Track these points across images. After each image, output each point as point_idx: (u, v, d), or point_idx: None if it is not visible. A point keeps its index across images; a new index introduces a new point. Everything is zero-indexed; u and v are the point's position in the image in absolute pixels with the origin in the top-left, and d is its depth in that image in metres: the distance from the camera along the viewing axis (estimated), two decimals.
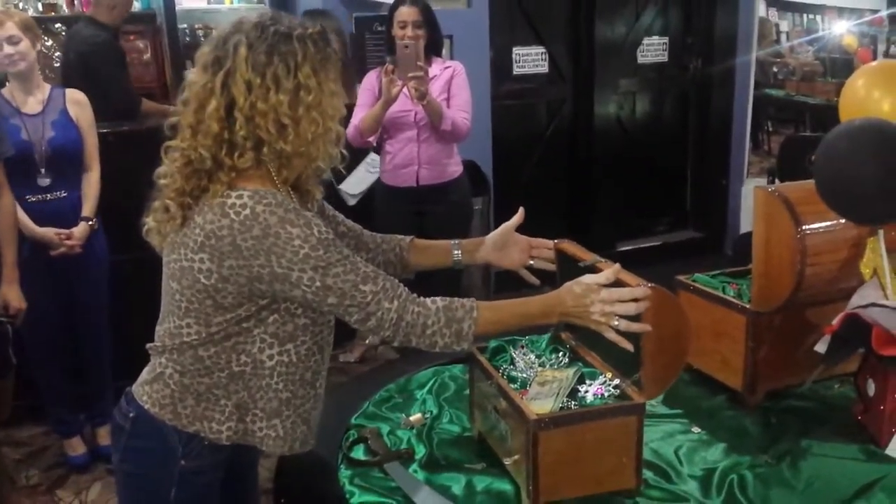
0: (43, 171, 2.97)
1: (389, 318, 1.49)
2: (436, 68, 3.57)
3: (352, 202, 3.95)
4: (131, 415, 1.57)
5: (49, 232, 2.96)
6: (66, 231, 3.00)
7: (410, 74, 3.29)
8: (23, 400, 3.16)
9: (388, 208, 3.68)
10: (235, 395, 1.55)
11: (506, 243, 1.92)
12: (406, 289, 1.54)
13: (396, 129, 3.55)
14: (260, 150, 1.47)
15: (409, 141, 3.54)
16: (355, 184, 3.92)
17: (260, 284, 1.46)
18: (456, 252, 1.88)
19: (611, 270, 1.62)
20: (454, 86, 3.57)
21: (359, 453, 1.85)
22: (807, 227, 1.85)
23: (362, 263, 1.49)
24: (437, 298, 1.55)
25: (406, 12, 3.48)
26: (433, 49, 3.58)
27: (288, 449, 1.62)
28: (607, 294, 1.58)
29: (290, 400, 1.58)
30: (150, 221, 1.54)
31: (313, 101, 1.46)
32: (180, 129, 1.49)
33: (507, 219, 1.90)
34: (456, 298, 1.57)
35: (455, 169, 3.67)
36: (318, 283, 1.44)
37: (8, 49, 2.90)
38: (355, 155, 3.71)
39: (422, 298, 1.54)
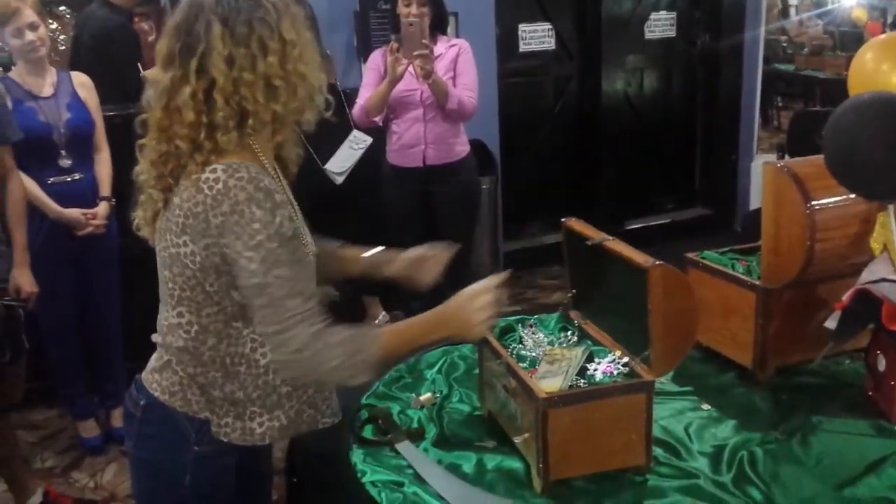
0: (63, 152, 3.00)
1: (296, 348, 1.41)
2: (441, 46, 3.55)
3: (339, 181, 3.91)
4: (142, 402, 1.57)
5: (75, 212, 3.01)
6: (92, 210, 3.06)
7: (416, 53, 3.28)
8: (36, 383, 3.19)
9: (396, 189, 3.67)
10: (232, 394, 1.53)
11: (422, 263, 1.86)
12: (324, 324, 1.45)
13: (402, 108, 3.53)
14: (244, 125, 1.45)
15: (416, 121, 3.53)
16: (340, 162, 3.88)
17: (231, 267, 1.44)
18: (364, 264, 1.85)
19: (494, 278, 1.60)
20: (460, 64, 3.56)
21: (370, 433, 1.85)
22: (816, 202, 1.84)
23: (303, 275, 1.45)
24: (342, 334, 1.46)
25: None
26: (438, 27, 3.56)
27: (293, 433, 1.62)
28: (480, 300, 1.57)
29: (290, 393, 1.57)
30: (137, 215, 1.54)
31: (299, 53, 1.46)
32: (149, 129, 1.47)
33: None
34: (360, 332, 1.49)
35: (462, 148, 3.65)
36: (256, 279, 1.40)
37: (30, 36, 2.91)
38: (337, 133, 3.71)
39: (331, 331, 1.45)
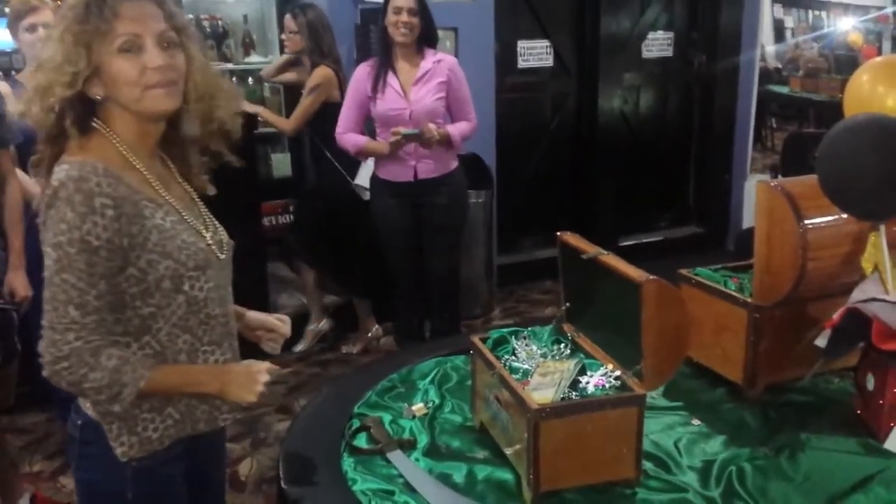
0: None
1: (59, 351, 1.39)
2: (428, 61, 3.52)
3: (366, 196, 3.88)
4: (79, 422, 1.54)
5: None
6: None
7: (418, 142, 3.43)
8: (27, 387, 3.17)
9: (386, 202, 3.66)
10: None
11: (264, 332, 1.80)
12: (103, 343, 1.43)
13: (392, 125, 3.49)
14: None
15: (404, 145, 3.50)
16: (366, 177, 3.87)
17: None
18: None
19: (275, 368, 1.57)
20: (453, 87, 3.53)
21: (361, 441, 1.86)
22: (809, 221, 1.86)
23: (95, 291, 1.41)
24: (115, 355, 1.44)
25: None
26: (426, 40, 3.53)
27: (191, 429, 1.58)
28: (260, 374, 1.54)
29: None
30: None
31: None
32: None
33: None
34: (130, 365, 1.45)
35: (453, 162, 3.64)
36: (48, 274, 1.40)
37: (43, 34, 2.92)
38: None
39: (101, 349, 1.42)
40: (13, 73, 3.50)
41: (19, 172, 2.74)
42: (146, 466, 1.54)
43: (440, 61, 3.53)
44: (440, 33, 4.58)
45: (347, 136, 3.59)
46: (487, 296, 4.77)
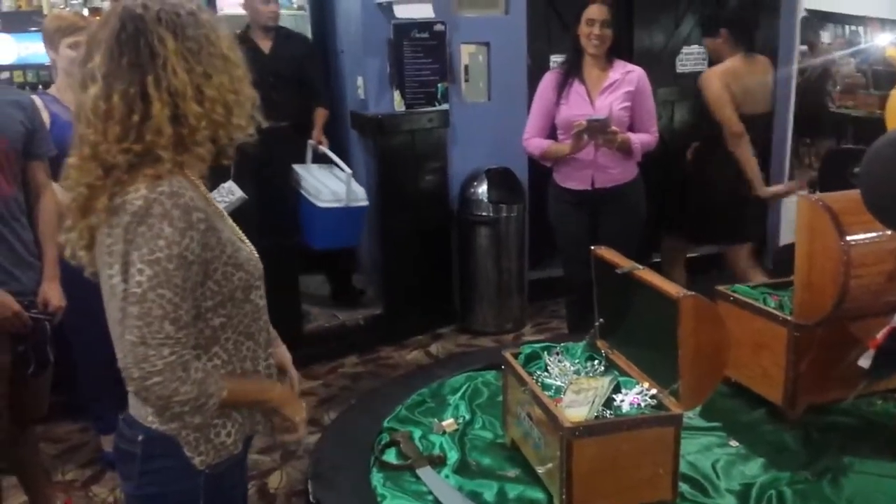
0: None
1: (153, 366, 1.38)
2: (617, 72, 3.53)
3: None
4: (140, 438, 1.53)
5: None
6: None
7: (602, 136, 3.38)
8: (60, 396, 3.20)
9: (563, 208, 3.68)
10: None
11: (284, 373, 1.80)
12: (191, 356, 1.44)
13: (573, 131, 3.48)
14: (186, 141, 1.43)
15: (587, 145, 3.47)
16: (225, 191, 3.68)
17: None
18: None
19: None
20: (638, 99, 3.52)
21: (391, 457, 1.84)
22: (851, 237, 1.81)
23: (187, 305, 1.41)
24: (200, 367, 1.45)
25: (596, 10, 3.44)
26: (617, 51, 3.55)
27: (250, 430, 1.61)
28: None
29: None
30: (70, 241, 1.51)
31: (241, 72, 1.48)
32: (83, 150, 1.42)
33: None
34: (213, 377, 1.47)
35: (630, 171, 3.60)
36: (140, 290, 1.37)
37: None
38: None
39: (190, 362, 1.43)
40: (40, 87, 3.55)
41: (54, 184, 2.77)
42: (218, 473, 1.55)
43: (630, 72, 3.54)
44: (472, 47, 4.64)
45: (532, 140, 3.64)
46: (518, 311, 4.73)
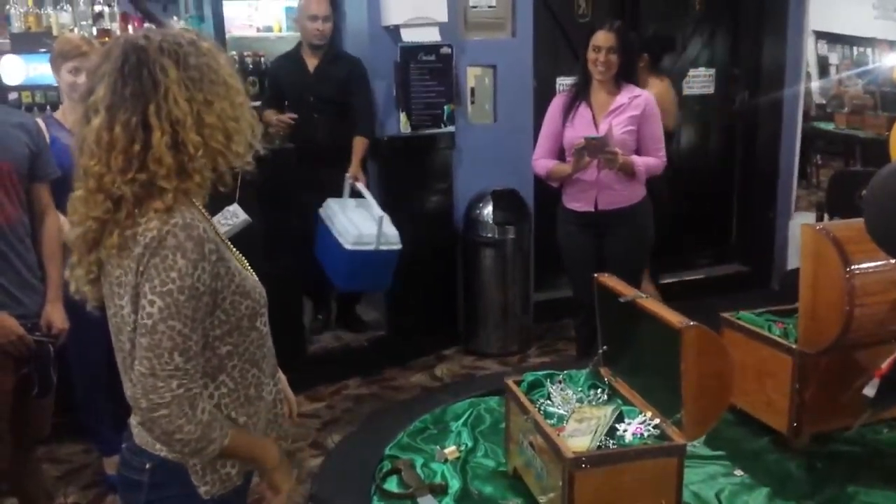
0: None
1: (161, 398, 1.39)
2: (624, 96, 3.54)
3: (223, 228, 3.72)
4: (147, 465, 1.53)
5: None
6: None
7: (601, 155, 3.39)
8: (63, 417, 3.19)
9: (569, 230, 3.70)
10: None
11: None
12: (199, 392, 1.44)
13: None
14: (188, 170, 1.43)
15: (590, 165, 3.49)
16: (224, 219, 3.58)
17: None
18: None
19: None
20: (645, 123, 3.53)
21: (392, 485, 1.83)
22: (856, 266, 1.80)
23: (196, 336, 1.41)
24: (208, 409, 1.45)
25: (602, 37, 3.47)
26: (625, 76, 3.56)
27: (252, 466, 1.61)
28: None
29: (246, 423, 1.56)
30: (75, 277, 1.51)
31: (241, 99, 1.47)
32: (87, 183, 1.42)
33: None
34: (219, 422, 1.47)
35: (636, 194, 3.61)
36: (150, 321, 1.38)
37: (84, 79, 2.96)
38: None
39: (198, 400, 1.43)
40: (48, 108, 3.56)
41: (61, 218, 2.78)
42: (224, 501, 1.56)
43: (637, 97, 3.55)
44: (478, 70, 4.66)
45: (539, 161, 3.68)
46: (524, 332, 4.72)
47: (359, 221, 4.02)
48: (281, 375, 1.75)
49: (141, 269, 1.39)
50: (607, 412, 1.69)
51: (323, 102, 4.22)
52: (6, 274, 2.51)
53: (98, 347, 3.09)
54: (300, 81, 4.27)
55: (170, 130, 1.39)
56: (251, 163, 1.52)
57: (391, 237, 4.01)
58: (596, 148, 3.39)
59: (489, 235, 4.52)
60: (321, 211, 4.12)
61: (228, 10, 4.87)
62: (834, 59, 7.42)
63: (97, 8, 4.72)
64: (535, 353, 4.64)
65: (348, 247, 3.93)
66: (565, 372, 1.92)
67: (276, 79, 4.43)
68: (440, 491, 1.79)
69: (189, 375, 1.41)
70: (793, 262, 5.38)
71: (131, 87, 1.39)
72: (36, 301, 2.60)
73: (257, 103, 4.84)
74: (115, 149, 1.39)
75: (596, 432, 1.64)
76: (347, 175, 4.16)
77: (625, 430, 1.64)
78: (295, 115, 4.18)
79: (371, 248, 3.95)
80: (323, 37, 4.21)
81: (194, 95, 1.42)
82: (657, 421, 1.65)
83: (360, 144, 4.21)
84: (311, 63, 4.27)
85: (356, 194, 4.18)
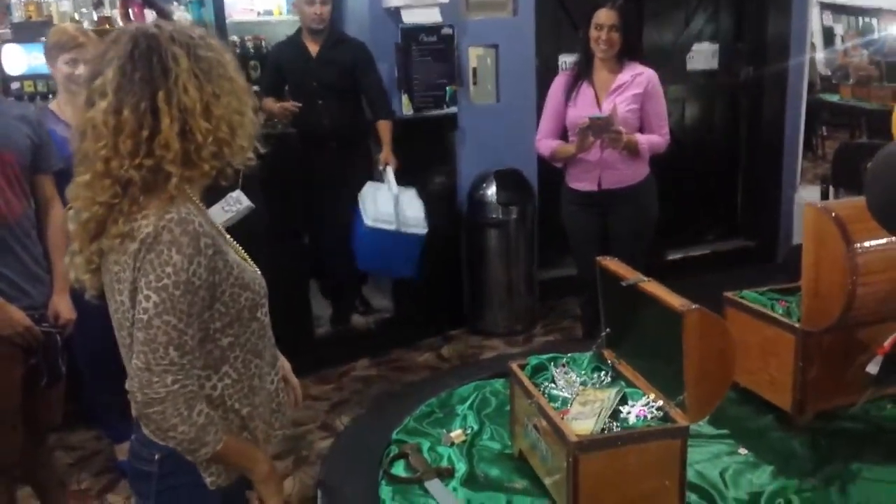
0: None
1: (156, 393, 1.40)
2: (626, 74, 3.53)
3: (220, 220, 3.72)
4: (157, 456, 1.53)
5: None
6: None
7: (605, 135, 3.38)
8: (74, 404, 3.23)
9: (572, 209, 3.70)
10: None
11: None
12: (195, 391, 1.45)
13: None
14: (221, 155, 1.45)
15: (594, 145, 3.49)
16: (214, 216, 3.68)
17: None
18: None
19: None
20: (648, 101, 3.52)
21: (399, 469, 1.85)
22: (858, 245, 1.80)
23: (191, 330, 1.42)
24: (205, 412, 1.46)
25: (604, 15, 3.46)
26: (628, 53, 3.55)
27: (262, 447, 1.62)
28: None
29: (251, 413, 1.58)
30: (75, 265, 1.52)
31: (243, 93, 1.48)
32: (93, 169, 1.42)
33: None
34: (214, 425, 1.47)
35: (640, 172, 3.61)
36: (146, 316, 1.39)
37: (81, 70, 2.94)
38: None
39: (195, 401, 1.44)
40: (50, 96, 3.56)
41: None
42: (231, 491, 1.58)
43: (639, 74, 3.54)
44: (480, 50, 4.64)
45: (543, 141, 3.67)
46: (529, 311, 4.73)
47: (384, 202, 4.00)
48: (284, 362, 1.77)
49: (138, 264, 1.40)
50: (611, 395, 1.70)
51: (326, 88, 4.17)
52: (13, 266, 2.53)
53: (101, 336, 3.11)
54: (303, 67, 4.20)
55: (179, 117, 1.40)
56: (252, 158, 1.52)
57: (415, 220, 3.99)
58: (600, 128, 3.38)
59: (493, 216, 4.53)
60: (359, 194, 4.07)
61: None
62: (839, 29, 7.36)
63: None
64: (540, 332, 4.66)
65: (368, 223, 3.92)
66: (569, 355, 1.93)
67: (276, 64, 4.36)
68: (447, 474, 1.80)
69: (184, 371, 1.42)
70: (798, 236, 5.37)
71: (141, 72, 1.40)
72: (43, 292, 2.62)
73: (256, 87, 4.85)
74: (122, 132, 1.39)
75: (600, 415, 1.65)
76: (381, 160, 4.11)
77: (628, 413, 1.65)
78: (299, 104, 4.13)
79: (391, 227, 3.92)
80: (322, 20, 4.13)
81: (203, 86, 1.43)
82: (660, 403, 1.66)
83: (385, 128, 4.16)
84: (313, 48, 4.20)
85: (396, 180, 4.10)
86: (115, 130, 1.39)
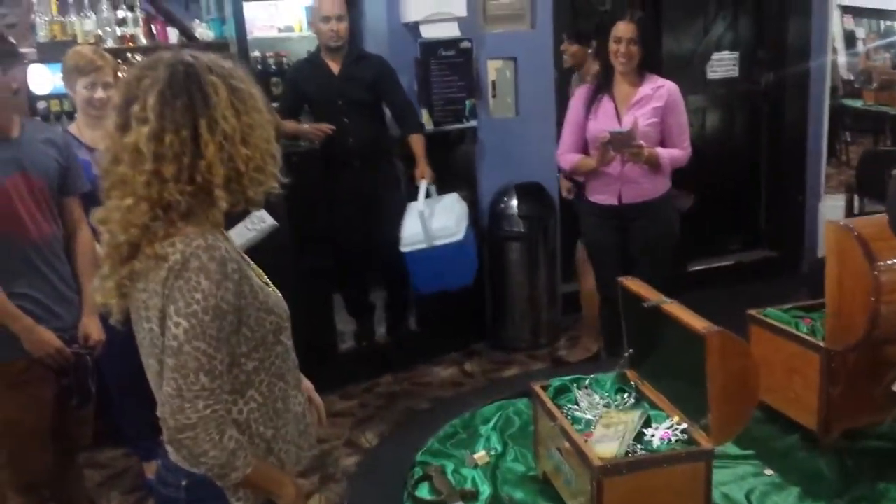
0: None
1: (188, 419, 1.42)
2: (647, 87, 3.52)
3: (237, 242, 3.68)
4: (184, 483, 1.56)
5: None
6: None
7: (626, 150, 3.38)
8: (103, 422, 3.26)
9: (592, 222, 3.70)
10: None
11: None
12: (226, 416, 1.48)
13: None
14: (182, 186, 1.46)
15: (614, 159, 3.48)
16: (235, 237, 3.51)
17: None
18: None
19: None
20: (669, 114, 3.51)
21: (423, 492, 1.86)
22: (881, 263, 1.79)
23: (220, 355, 1.45)
24: (234, 437, 1.48)
25: (623, 28, 3.46)
26: (648, 66, 3.54)
27: (288, 472, 1.63)
28: None
29: (275, 436, 1.60)
30: (103, 289, 1.53)
31: (268, 127, 1.51)
32: (129, 193, 1.45)
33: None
34: (243, 451, 1.49)
35: (661, 187, 3.59)
36: (176, 343, 1.41)
37: (101, 94, 2.99)
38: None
39: (225, 426, 1.47)
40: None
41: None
42: None
43: (660, 87, 3.53)
44: (498, 63, 4.65)
45: (564, 156, 3.67)
46: (552, 325, 4.73)
47: (412, 222, 3.89)
48: (307, 383, 1.79)
49: (166, 291, 1.43)
50: (635, 417, 1.71)
51: (351, 105, 4.10)
52: (43, 288, 2.57)
53: (130, 356, 3.15)
54: (326, 85, 4.14)
55: (221, 144, 1.44)
56: (276, 188, 1.55)
57: (444, 230, 3.87)
58: (621, 142, 3.38)
59: (514, 229, 4.53)
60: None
61: (249, 11, 4.89)
62: (860, 33, 7.29)
63: (120, 14, 4.78)
64: (564, 345, 4.64)
65: (402, 249, 3.88)
66: (592, 376, 1.93)
67: (295, 85, 4.28)
68: (471, 497, 1.81)
69: (215, 396, 1.44)
70: (823, 247, 5.32)
71: (182, 99, 1.43)
72: (72, 314, 2.66)
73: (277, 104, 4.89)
74: (165, 158, 1.43)
75: (623, 438, 1.65)
76: (417, 175, 4.05)
77: (652, 435, 1.66)
78: (332, 126, 4.04)
79: (423, 246, 3.86)
80: (339, 37, 4.07)
81: (241, 116, 1.47)
82: (685, 425, 1.66)
83: (418, 142, 4.11)
84: (334, 66, 4.14)
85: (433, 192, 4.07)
86: (156, 156, 1.43)
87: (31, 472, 2.63)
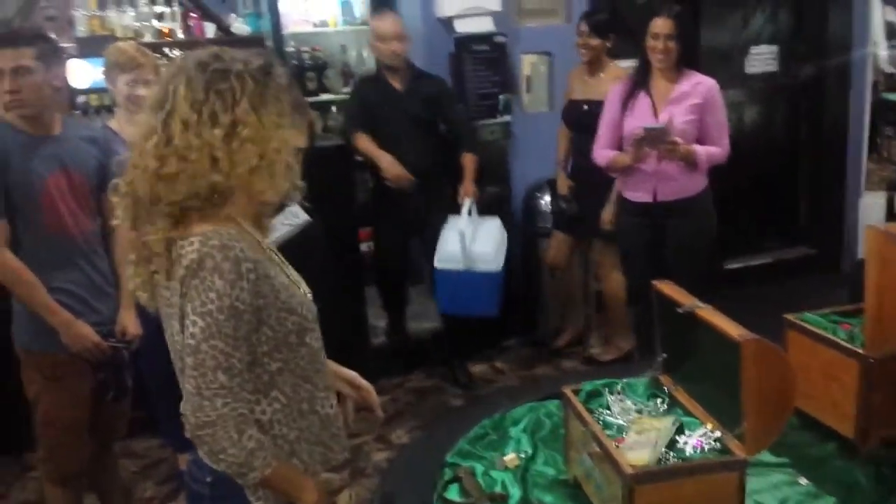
0: None
1: (207, 416, 1.44)
2: (685, 84, 3.48)
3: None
4: (208, 479, 1.57)
5: None
6: None
7: (661, 146, 3.36)
8: (140, 413, 3.30)
9: (626, 219, 3.69)
10: None
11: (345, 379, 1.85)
12: (246, 415, 1.49)
13: None
14: (194, 184, 1.47)
15: (650, 155, 3.46)
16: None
17: None
18: None
19: None
20: (708, 112, 3.47)
21: (454, 494, 1.85)
22: None
23: (239, 354, 1.46)
24: (255, 436, 1.49)
25: (660, 24, 3.43)
26: (685, 61, 3.49)
27: (311, 473, 1.63)
28: None
29: (298, 437, 1.60)
30: (136, 278, 1.57)
31: (250, 135, 1.48)
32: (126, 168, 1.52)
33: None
34: (264, 450, 1.50)
35: (697, 184, 3.54)
36: (194, 342, 1.44)
37: (142, 91, 3.00)
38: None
39: (245, 425, 1.47)
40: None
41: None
42: None
43: (699, 84, 3.49)
44: (533, 57, 4.62)
45: (600, 152, 3.64)
46: (584, 321, 4.70)
47: (452, 240, 3.85)
48: (349, 372, 1.82)
49: (184, 290, 1.46)
50: (667, 424, 1.69)
51: (414, 121, 4.01)
52: (82, 283, 2.62)
53: (164, 351, 3.20)
54: (391, 100, 4.03)
55: (251, 142, 1.47)
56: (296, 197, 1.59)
57: (484, 256, 3.82)
58: (655, 138, 3.34)
59: (548, 225, 4.50)
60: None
61: (284, 6, 4.92)
62: None
63: (157, 9, 4.83)
64: (597, 342, 4.61)
65: (436, 265, 3.87)
66: (624, 380, 1.91)
67: (363, 100, 4.15)
68: (501, 500, 1.81)
69: (233, 393, 1.46)
70: (863, 245, 5.23)
71: (213, 97, 1.46)
72: (110, 308, 2.70)
73: (314, 98, 4.91)
74: (194, 151, 1.46)
75: (656, 445, 1.63)
76: (461, 193, 4.00)
77: (685, 443, 1.64)
78: (410, 177, 3.92)
79: (459, 267, 3.82)
80: (397, 56, 3.97)
81: (271, 116, 1.50)
82: (718, 434, 1.64)
83: (470, 162, 4.04)
84: (397, 84, 4.05)
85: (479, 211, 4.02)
86: (184, 150, 1.46)
87: (69, 464, 2.68)
